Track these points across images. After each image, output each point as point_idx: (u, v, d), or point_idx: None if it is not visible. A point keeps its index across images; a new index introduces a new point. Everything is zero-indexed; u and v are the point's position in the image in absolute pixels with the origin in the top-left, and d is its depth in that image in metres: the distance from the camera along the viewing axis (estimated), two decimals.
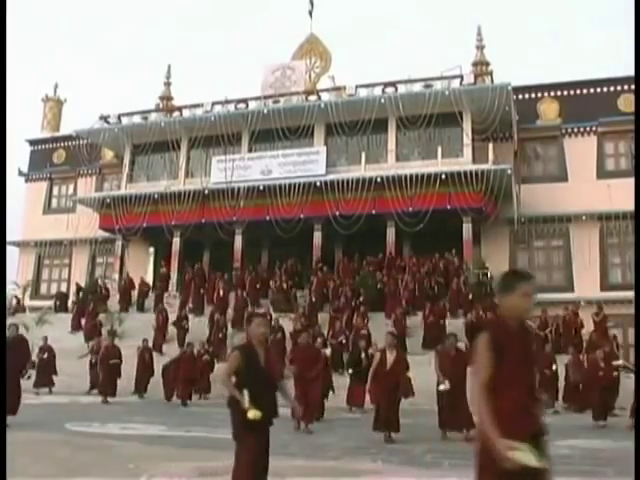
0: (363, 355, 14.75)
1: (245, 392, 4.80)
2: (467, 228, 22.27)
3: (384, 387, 9.82)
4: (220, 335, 19.61)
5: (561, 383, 15.69)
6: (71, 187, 30.91)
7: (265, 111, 24.78)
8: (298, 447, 9.06)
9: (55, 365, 18.52)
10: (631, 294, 19.57)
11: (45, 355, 18.30)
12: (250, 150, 25.82)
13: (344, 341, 17.94)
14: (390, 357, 9.90)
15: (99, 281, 26.26)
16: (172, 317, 21.39)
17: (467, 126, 23.07)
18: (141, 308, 24.02)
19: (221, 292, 22.29)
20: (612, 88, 24.23)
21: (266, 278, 23.25)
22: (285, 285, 21.94)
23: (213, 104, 25.98)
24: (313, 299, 20.92)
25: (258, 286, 22.69)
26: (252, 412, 4.76)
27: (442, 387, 10.00)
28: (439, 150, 23.03)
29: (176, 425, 11.35)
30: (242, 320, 20.16)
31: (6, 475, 5.67)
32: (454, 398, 9.59)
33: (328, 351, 13.65)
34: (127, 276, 25.57)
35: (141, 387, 17.38)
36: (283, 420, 12.25)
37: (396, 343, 10.22)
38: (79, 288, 25.37)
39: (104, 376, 16.20)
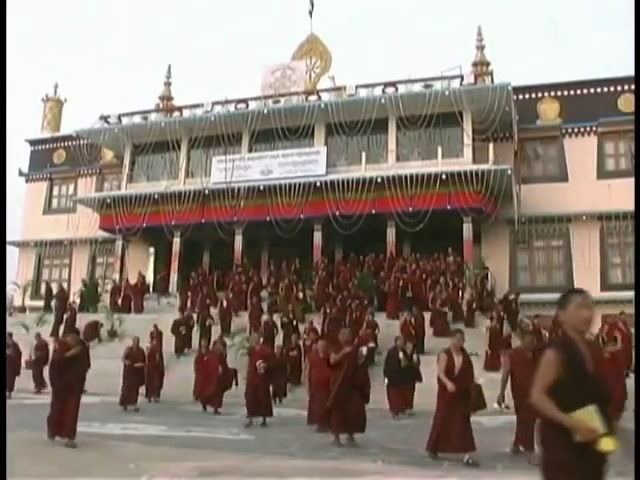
0: (401, 355, 13.59)
1: (591, 410, 3.27)
2: (467, 228, 22.27)
3: (452, 396, 7.96)
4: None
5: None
6: (71, 187, 30.93)
7: (265, 111, 24.78)
8: (298, 447, 9.07)
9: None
10: (631, 294, 19.57)
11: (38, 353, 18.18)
12: (250, 150, 25.83)
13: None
14: (458, 360, 8.23)
15: (99, 281, 26.32)
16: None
17: (467, 126, 23.08)
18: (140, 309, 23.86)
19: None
20: (612, 88, 24.23)
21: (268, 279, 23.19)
22: (302, 294, 21.15)
23: (213, 104, 25.99)
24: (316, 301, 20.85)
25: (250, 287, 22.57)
26: (607, 441, 3.27)
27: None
28: (439, 150, 23.04)
29: (176, 425, 11.35)
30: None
31: (6, 475, 5.67)
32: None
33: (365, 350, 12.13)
34: (119, 280, 25.50)
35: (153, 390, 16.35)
36: (283, 420, 12.28)
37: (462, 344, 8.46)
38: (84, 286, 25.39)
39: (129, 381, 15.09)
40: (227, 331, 19.61)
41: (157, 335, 17.96)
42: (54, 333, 20.83)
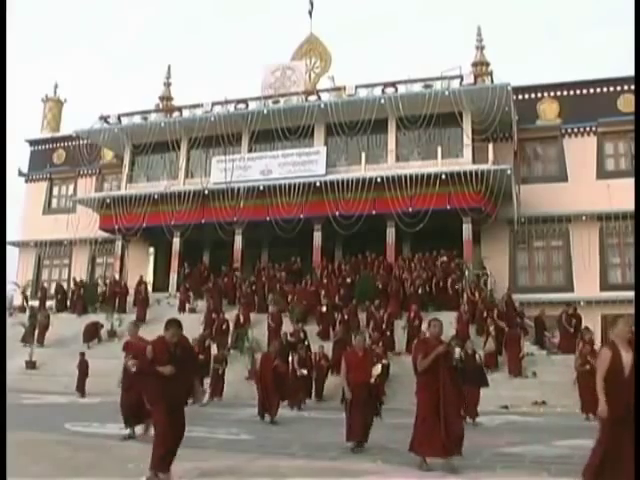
0: (457, 355, 11.62)
1: None
2: (467, 228, 22.29)
3: (621, 406, 5.42)
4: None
5: None
6: (71, 187, 30.95)
7: (265, 111, 24.80)
8: (298, 447, 9.07)
9: None
10: (631, 294, 19.59)
11: None
12: (250, 150, 25.84)
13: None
14: (627, 357, 5.63)
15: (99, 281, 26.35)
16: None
17: (467, 126, 23.09)
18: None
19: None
20: (612, 88, 24.25)
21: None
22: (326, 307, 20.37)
23: (213, 104, 26.00)
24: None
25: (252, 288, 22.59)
26: None
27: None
28: (439, 150, 23.06)
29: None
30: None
31: (6, 475, 5.67)
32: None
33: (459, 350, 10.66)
34: (113, 280, 25.57)
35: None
36: (284, 420, 12.27)
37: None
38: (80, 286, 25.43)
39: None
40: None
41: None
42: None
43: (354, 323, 18.79)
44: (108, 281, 25.90)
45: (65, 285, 27.16)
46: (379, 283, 20.78)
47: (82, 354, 18.04)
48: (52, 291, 26.59)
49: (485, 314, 18.37)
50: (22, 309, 25.63)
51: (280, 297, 21.08)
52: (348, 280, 21.36)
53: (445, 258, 21.70)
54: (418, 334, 17.76)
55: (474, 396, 11.87)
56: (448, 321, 18.95)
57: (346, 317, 18.85)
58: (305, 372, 14.49)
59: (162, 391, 6.38)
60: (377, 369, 9.26)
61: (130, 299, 24.21)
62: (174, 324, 6.67)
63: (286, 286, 21.96)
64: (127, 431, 9.49)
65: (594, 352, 13.08)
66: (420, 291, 20.18)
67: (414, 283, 20.38)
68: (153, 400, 6.53)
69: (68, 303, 25.28)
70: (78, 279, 26.37)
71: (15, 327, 22.38)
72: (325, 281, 21.66)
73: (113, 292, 24.57)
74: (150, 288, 26.92)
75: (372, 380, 9.03)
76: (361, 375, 8.90)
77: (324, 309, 19.71)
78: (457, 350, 9.17)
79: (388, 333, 18.16)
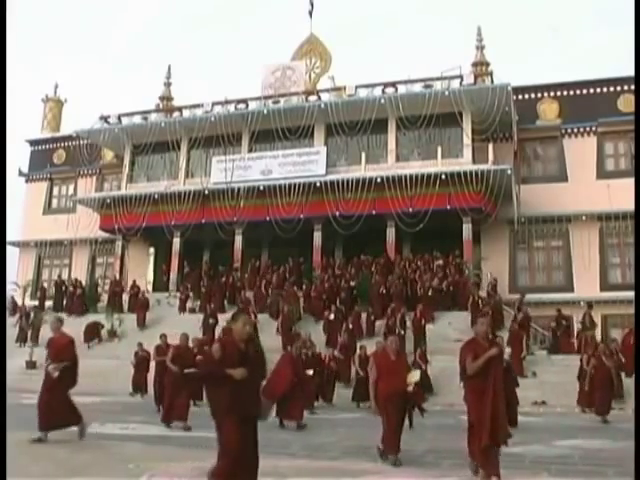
0: (507, 356, 11.54)
1: None
2: (467, 228, 22.30)
3: None
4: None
5: None
6: (71, 187, 30.96)
7: (265, 111, 24.80)
8: (299, 447, 9.06)
9: None
10: (631, 294, 19.58)
11: None
12: (250, 150, 25.85)
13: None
14: None
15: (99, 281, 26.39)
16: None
17: (467, 126, 23.10)
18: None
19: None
20: (612, 88, 24.25)
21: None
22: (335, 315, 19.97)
23: (213, 104, 26.01)
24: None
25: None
26: None
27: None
28: (439, 150, 23.07)
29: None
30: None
31: (6, 475, 5.68)
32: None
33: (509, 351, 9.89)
34: (114, 279, 25.61)
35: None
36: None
37: None
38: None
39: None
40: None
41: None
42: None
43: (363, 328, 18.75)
44: (109, 281, 25.94)
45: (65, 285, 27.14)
46: (383, 288, 20.41)
47: None
48: (52, 291, 26.60)
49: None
50: (14, 310, 25.55)
51: (292, 300, 20.82)
52: (352, 283, 21.17)
53: (453, 259, 21.74)
54: (423, 334, 17.79)
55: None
56: (447, 322, 19.19)
57: (351, 326, 18.51)
58: (311, 372, 14.27)
59: (233, 399, 5.14)
60: (415, 375, 7.88)
61: (126, 297, 24.36)
62: (243, 315, 5.53)
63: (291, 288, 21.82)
64: (38, 434, 8.67)
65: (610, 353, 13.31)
66: (430, 293, 19.98)
67: (424, 284, 20.28)
68: (222, 411, 5.26)
69: (65, 303, 25.21)
70: (78, 279, 26.34)
71: (16, 327, 22.41)
72: (326, 285, 21.38)
73: (113, 292, 24.59)
74: (150, 288, 27.03)
75: (410, 388, 7.67)
76: (395, 382, 7.53)
77: (332, 317, 19.19)
78: (507, 350, 8.13)
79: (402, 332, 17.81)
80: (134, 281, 25.10)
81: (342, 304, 19.99)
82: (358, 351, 16.35)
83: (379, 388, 7.51)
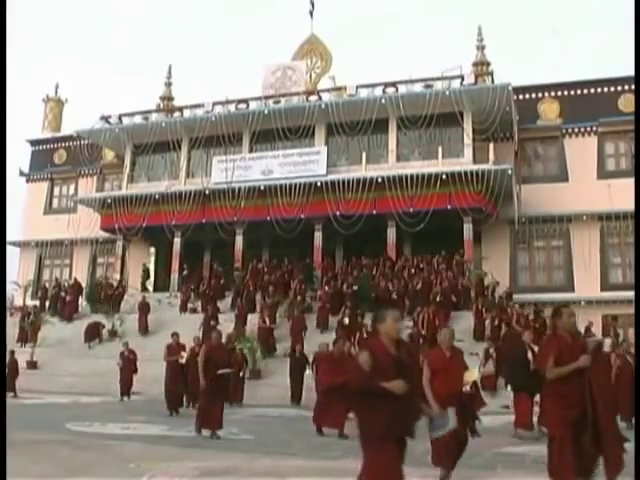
0: (531, 355, 10.28)
1: None
2: (468, 228, 22.29)
3: None
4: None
5: None
6: (72, 187, 30.96)
7: (266, 111, 24.80)
8: (299, 447, 9.06)
9: None
10: (631, 294, 19.59)
11: None
12: (251, 150, 25.85)
13: None
14: None
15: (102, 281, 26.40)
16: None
17: (467, 126, 23.09)
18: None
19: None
20: (612, 88, 24.24)
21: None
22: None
23: (214, 104, 26.01)
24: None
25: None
26: None
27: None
28: (440, 150, 23.06)
29: (177, 425, 11.35)
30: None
31: (6, 475, 5.68)
32: None
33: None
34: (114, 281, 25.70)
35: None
36: (284, 420, 12.26)
37: None
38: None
39: None
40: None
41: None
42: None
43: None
44: (109, 281, 25.93)
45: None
46: (394, 293, 20.16)
47: (12, 352, 17.61)
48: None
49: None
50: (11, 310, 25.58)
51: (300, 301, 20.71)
52: (355, 288, 20.81)
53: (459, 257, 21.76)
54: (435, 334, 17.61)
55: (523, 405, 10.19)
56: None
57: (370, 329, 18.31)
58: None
59: (391, 420, 4.21)
60: (473, 374, 7.03)
61: (125, 298, 24.46)
62: (392, 311, 4.52)
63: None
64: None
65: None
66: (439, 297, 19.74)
67: (434, 285, 20.20)
68: (376, 435, 4.31)
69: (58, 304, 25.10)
70: (76, 281, 26.30)
71: (16, 327, 22.42)
72: (327, 288, 21.17)
73: (113, 292, 24.62)
74: (151, 288, 27.04)
75: (466, 388, 6.85)
76: (451, 382, 6.36)
77: (346, 321, 18.78)
78: (607, 340, 6.88)
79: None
80: (120, 280, 25.19)
81: (349, 309, 19.54)
82: None
83: (435, 390, 6.28)
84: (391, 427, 4.20)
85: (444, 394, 6.16)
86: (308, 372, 15.42)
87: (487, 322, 18.46)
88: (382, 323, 4.40)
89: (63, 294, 25.06)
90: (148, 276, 26.27)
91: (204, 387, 9.95)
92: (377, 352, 4.28)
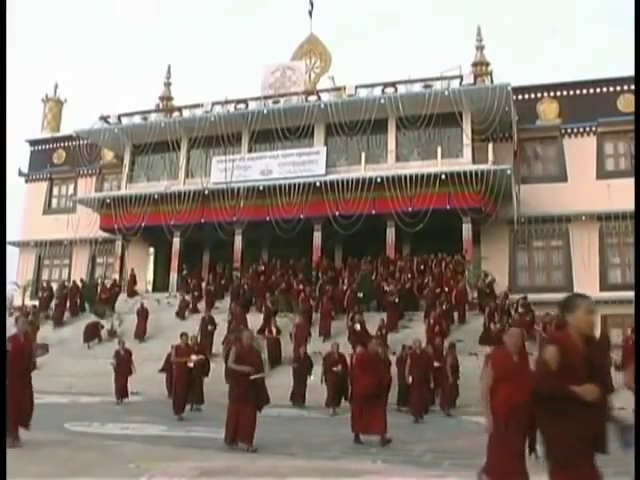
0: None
1: None
2: (467, 228, 22.29)
3: None
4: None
5: None
6: (71, 187, 30.94)
7: (265, 111, 24.80)
8: (298, 447, 9.07)
9: None
10: (631, 294, 19.58)
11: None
12: (250, 150, 25.84)
13: None
14: None
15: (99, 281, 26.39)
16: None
17: (467, 126, 23.09)
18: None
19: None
20: (612, 88, 24.23)
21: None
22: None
23: (213, 104, 26.00)
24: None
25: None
26: None
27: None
28: (439, 150, 23.06)
29: (176, 425, 11.36)
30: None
31: (6, 475, 5.68)
32: None
33: None
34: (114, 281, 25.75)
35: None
36: (284, 420, 12.27)
37: None
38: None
39: None
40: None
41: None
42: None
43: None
44: (108, 281, 25.93)
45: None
46: (396, 297, 19.87)
47: None
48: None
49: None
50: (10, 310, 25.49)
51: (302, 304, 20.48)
52: (360, 295, 20.58)
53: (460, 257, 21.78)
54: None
55: None
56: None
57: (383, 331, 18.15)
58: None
59: (582, 432, 3.55)
60: None
61: (123, 296, 24.60)
62: (585, 300, 3.80)
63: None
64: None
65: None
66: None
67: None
68: (572, 450, 3.57)
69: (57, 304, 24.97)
70: (78, 280, 26.28)
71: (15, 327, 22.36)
72: (328, 290, 20.91)
73: (112, 293, 24.63)
74: (150, 288, 27.03)
75: None
76: (520, 390, 4.87)
77: (357, 327, 18.32)
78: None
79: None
80: (114, 280, 25.18)
81: (354, 313, 19.23)
82: (397, 354, 15.48)
83: (497, 398, 5.33)
84: (584, 440, 3.52)
85: (513, 402, 5.16)
86: (312, 377, 15.48)
87: (493, 326, 18.22)
88: (572, 313, 3.68)
89: (56, 302, 24.67)
90: (135, 282, 25.69)
91: (238, 394, 8.88)
92: (566, 348, 3.55)
